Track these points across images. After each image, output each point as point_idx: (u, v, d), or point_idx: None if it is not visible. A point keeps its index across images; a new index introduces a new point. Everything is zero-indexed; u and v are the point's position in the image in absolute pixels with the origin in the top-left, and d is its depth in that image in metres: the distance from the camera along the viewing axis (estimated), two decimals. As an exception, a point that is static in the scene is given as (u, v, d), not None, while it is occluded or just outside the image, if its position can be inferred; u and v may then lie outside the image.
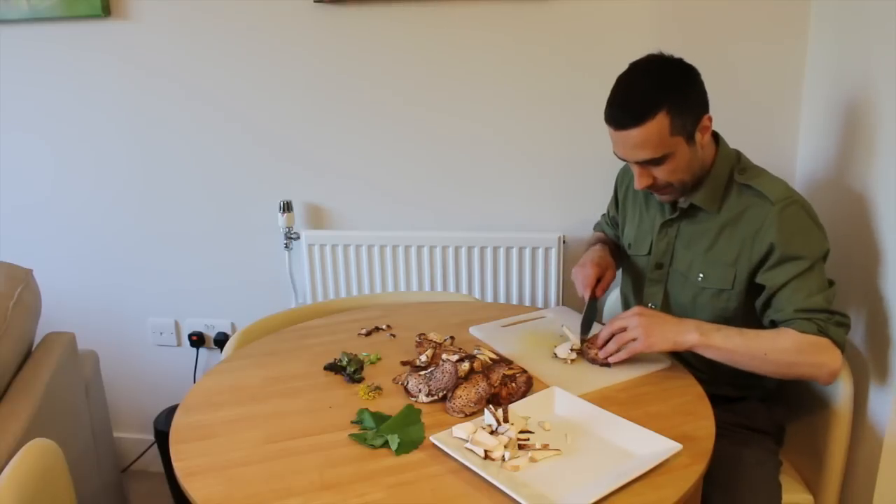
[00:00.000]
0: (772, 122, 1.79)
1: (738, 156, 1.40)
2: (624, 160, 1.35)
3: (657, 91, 1.25)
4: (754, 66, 1.76)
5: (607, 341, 1.30)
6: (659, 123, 1.24)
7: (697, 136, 1.30)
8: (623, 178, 1.61)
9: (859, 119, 1.47)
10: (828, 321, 1.24)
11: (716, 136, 1.39)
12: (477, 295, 1.97)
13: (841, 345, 1.24)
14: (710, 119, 1.31)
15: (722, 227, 1.36)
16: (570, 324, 1.46)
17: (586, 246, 1.69)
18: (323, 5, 1.86)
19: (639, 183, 1.33)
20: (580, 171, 1.91)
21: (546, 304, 1.96)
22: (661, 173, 1.31)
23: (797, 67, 1.75)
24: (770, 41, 1.74)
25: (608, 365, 1.31)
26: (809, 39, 1.72)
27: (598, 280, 1.49)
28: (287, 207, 2.01)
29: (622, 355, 1.27)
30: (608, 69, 1.79)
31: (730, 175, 1.36)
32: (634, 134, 1.26)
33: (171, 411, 1.65)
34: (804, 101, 1.76)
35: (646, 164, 1.30)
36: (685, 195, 1.38)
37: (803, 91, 1.76)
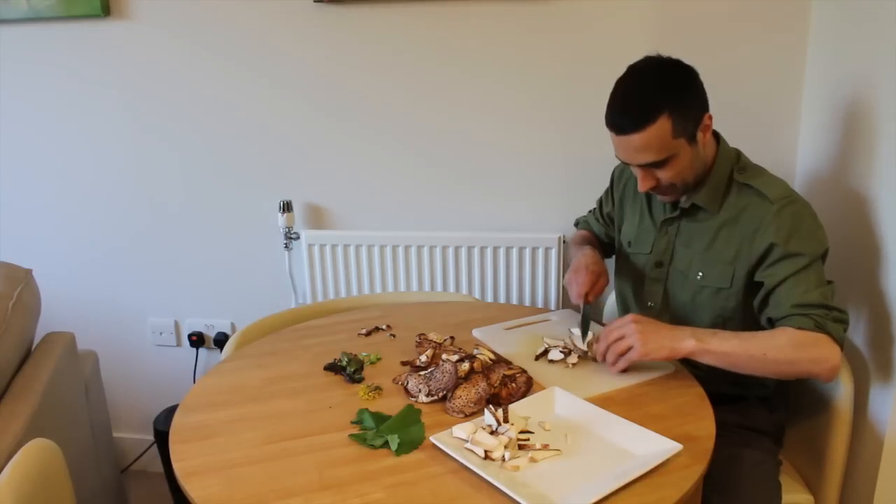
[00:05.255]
0: (772, 120, 1.78)
1: (737, 155, 1.40)
2: (626, 164, 1.34)
3: (657, 95, 1.25)
4: (755, 64, 1.76)
5: (606, 353, 1.28)
6: (661, 127, 1.24)
7: (699, 135, 1.30)
8: (621, 176, 1.61)
9: (860, 118, 1.47)
10: (825, 317, 1.23)
11: (716, 135, 1.39)
12: (477, 295, 1.97)
13: (839, 341, 1.23)
14: (710, 118, 1.31)
15: (721, 225, 1.36)
16: (575, 327, 1.45)
17: (572, 245, 1.68)
18: (323, 5, 1.86)
19: (642, 185, 1.33)
20: (580, 172, 1.90)
21: (546, 304, 1.96)
22: (664, 175, 1.31)
23: (797, 66, 1.74)
24: (770, 40, 1.73)
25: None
26: (810, 37, 1.72)
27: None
28: (287, 207, 2.01)
29: (621, 365, 1.25)
30: (609, 70, 1.79)
31: (730, 174, 1.37)
32: (636, 138, 1.26)
33: (170, 411, 1.65)
34: (804, 100, 1.76)
35: (649, 166, 1.30)
36: (687, 194, 1.39)
37: (804, 89, 1.76)
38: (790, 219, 1.28)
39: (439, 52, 1.87)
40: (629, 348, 1.23)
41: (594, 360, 1.32)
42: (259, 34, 1.92)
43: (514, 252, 1.92)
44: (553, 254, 1.90)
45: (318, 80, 1.93)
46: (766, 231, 1.28)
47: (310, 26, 1.89)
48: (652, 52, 1.32)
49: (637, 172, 1.34)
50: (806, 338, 1.22)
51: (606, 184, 1.68)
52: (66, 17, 1.95)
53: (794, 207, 1.29)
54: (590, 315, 1.43)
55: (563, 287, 1.93)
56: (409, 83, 1.90)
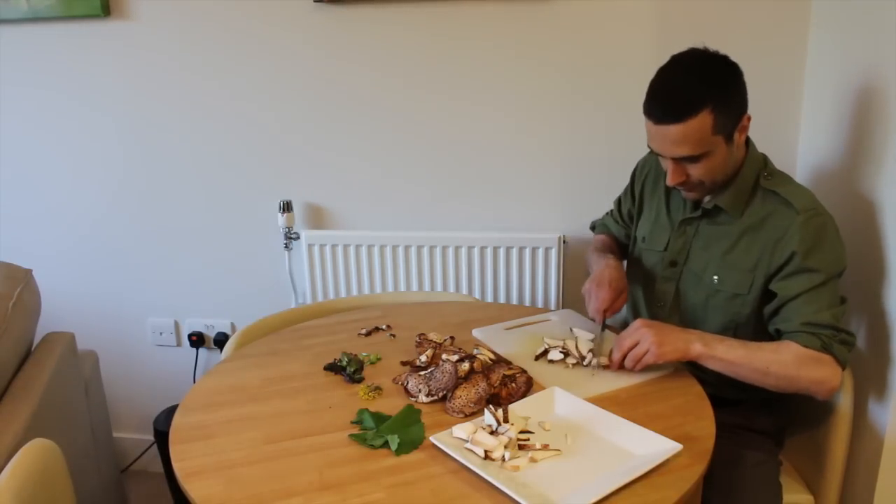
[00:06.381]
0: (771, 120, 1.77)
1: (764, 160, 1.38)
2: (660, 155, 1.31)
3: (702, 88, 1.23)
4: (755, 64, 1.73)
5: (622, 362, 1.28)
6: (702, 121, 1.22)
7: (735, 135, 1.28)
8: (642, 170, 1.57)
9: (860, 117, 1.47)
10: (832, 338, 1.23)
11: (746, 138, 1.36)
12: (477, 295, 1.97)
13: (843, 363, 1.24)
14: (748, 119, 1.29)
15: (743, 231, 1.34)
16: (577, 326, 1.46)
17: (592, 251, 1.63)
18: (323, 5, 1.86)
19: (671, 179, 1.30)
20: (580, 172, 1.90)
21: (546, 304, 1.96)
22: (696, 171, 1.29)
23: (797, 65, 1.74)
24: (770, 39, 1.73)
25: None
26: (810, 36, 1.71)
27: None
28: (287, 207, 2.01)
29: (638, 368, 1.26)
30: (609, 70, 1.80)
31: (756, 179, 1.35)
32: (675, 130, 1.23)
33: (170, 411, 1.65)
34: (805, 100, 1.76)
35: (682, 160, 1.28)
36: (711, 195, 1.37)
37: (804, 89, 1.76)
38: (814, 232, 1.27)
39: (439, 53, 1.87)
40: (645, 352, 1.24)
41: (594, 367, 1.32)
42: (259, 34, 1.91)
43: (514, 252, 1.92)
44: (553, 254, 1.90)
45: (318, 81, 1.93)
46: (790, 241, 1.27)
47: (310, 26, 1.89)
48: (698, 45, 1.29)
49: (668, 165, 1.30)
50: (810, 357, 1.22)
51: (607, 183, 1.68)
52: (66, 17, 1.95)
53: (819, 220, 1.28)
54: (604, 333, 1.41)
55: (565, 285, 1.94)
56: (409, 83, 1.90)
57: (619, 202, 1.67)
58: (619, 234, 1.67)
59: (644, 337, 1.24)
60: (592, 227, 1.77)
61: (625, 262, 1.60)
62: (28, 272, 1.59)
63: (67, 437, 1.52)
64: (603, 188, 1.74)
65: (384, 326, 1.54)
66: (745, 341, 1.26)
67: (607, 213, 1.72)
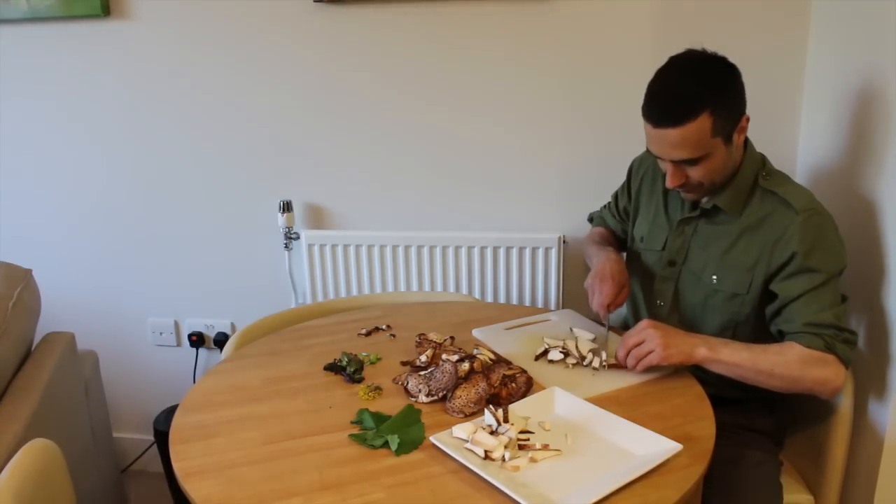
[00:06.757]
0: (771, 121, 1.78)
1: (763, 160, 1.38)
2: (659, 158, 1.31)
3: (701, 91, 1.23)
4: (754, 64, 1.74)
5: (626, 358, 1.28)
6: (701, 124, 1.22)
7: (734, 136, 1.28)
8: (638, 169, 1.57)
9: (861, 117, 1.47)
10: (835, 338, 1.23)
11: (745, 138, 1.36)
12: (477, 295, 1.97)
13: (846, 362, 1.24)
14: (747, 119, 1.29)
15: (742, 231, 1.34)
16: (577, 326, 1.46)
17: (590, 244, 1.63)
18: (323, 5, 1.86)
19: (671, 181, 1.30)
20: (580, 172, 1.90)
21: (546, 304, 1.96)
22: (695, 173, 1.29)
23: (797, 65, 1.74)
24: (771, 35, 1.73)
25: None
26: (811, 32, 1.71)
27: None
28: (287, 207, 2.01)
29: (640, 368, 1.26)
30: (609, 70, 1.80)
31: (754, 179, 1.35)
32: (674, 133, 1.23)
33: (170, 411, 1.65)
34: (805, 100, 1.76)
35: (681, 163, 1.28)
36: (710, 195, 1.37)
37: (804, 90, 1.75)
38: (813, 231, 1.26)
39: (439, 53, 1.87)
40: (649, 352, 1.23)
41: (594, 368, 1.32)
42: (259, 34, 1.91)
43: (514, 252, 1.92)
44: (553, 254, 1.90)
45: (318, 80, 1.93)
46: (790, 241, 1.27)
47: (310, 26, 1.89)
48: (696, 46, 1.28)
49: (667, 168, 1.30)
50: (814, 357, 1.22)
51: (607, 183, 1.67)
52: (66, 17, 1.95)
53: (818, 220, 1.28)
54: (608, 333, 1.41)
55: (565, 285, 1.94)
56: (409, 83, 1.90)
57: (615, 197, 1.66)
58: (616, 228, 1.67)
59: (650, 337, 1.24)
60: (590, 219, 1.77)
61: (623, 255, 1.59)
62: (28, 272, 1.59)
63: (67, 437, 1.52)
64: (603, 188, 1.74)
65: (384, 326, 1.54)
66: (749, 344, 1.26)
67: (605, 206, 1.72)
